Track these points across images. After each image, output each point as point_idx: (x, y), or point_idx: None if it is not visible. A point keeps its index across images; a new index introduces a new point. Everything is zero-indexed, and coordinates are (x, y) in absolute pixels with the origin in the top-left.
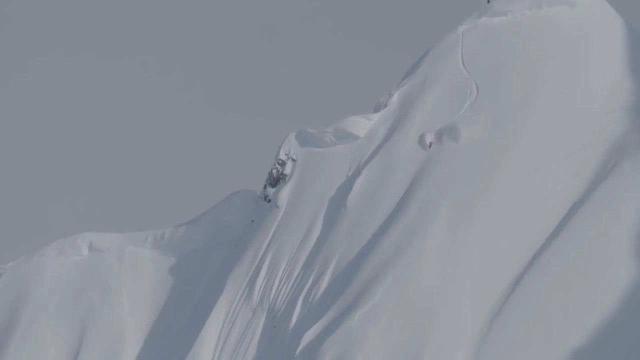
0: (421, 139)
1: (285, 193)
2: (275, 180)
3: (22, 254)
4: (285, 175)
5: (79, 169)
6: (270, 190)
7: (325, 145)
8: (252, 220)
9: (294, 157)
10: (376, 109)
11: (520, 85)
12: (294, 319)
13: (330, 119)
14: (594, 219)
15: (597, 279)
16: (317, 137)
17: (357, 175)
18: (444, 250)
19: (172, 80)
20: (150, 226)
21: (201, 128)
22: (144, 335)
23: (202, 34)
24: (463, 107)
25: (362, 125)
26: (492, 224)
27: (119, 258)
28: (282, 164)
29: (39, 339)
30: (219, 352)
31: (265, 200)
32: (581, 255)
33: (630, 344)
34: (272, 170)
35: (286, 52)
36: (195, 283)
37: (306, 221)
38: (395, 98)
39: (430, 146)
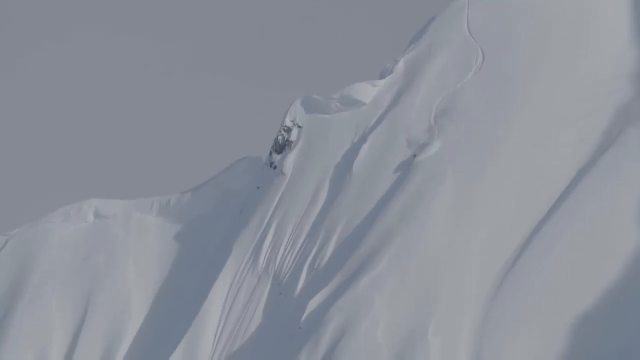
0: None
1: (291, 160)
2: (281, 147)
3: (27, 221)
4: (291, 142)
5: (85, 136)
6: (276, 157)
7: (331, 111)
8: (258, 187)
9: (300, 124)
10: (382, 76)
11: (526, 52)
12: (300, 286)
13: (336, 86)
14: (600, 186)
15: (603, 245)
16: (323, 103)
17: (363, 141)
18: (450, 217)
19: (178, 45)
20: (156, 193)
21: (207, 95)
22: (150, 302)
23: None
24: (469, 73)
25: (368, 91)
26: (499, 191)
27: (125, 225)
28: (288, 130)
29: (45, 305)
30: (225, 319)
31: (271, 167)
32: (587, 222)
33: (636, 310)
34: (278, 137)
35: (293, 18)
36: (201, 250)
37: (312, 188)
38: (401, 65)
39: (415, 157)
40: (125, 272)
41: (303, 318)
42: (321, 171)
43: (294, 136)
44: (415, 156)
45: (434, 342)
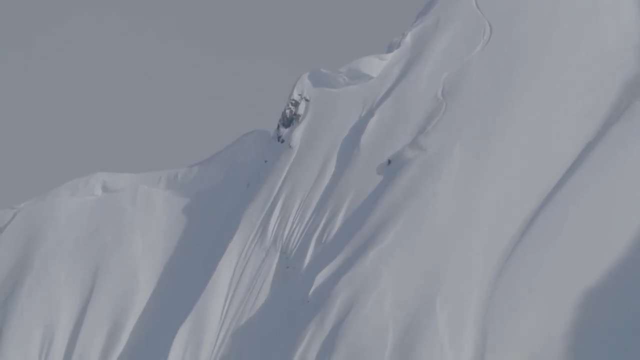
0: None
1: (298, 133)
2: (289, 121)
3: (35, 195)
4: (299, 115)
5: (93, 109)
6: (284, 131)
7: (339, 85)
8: (266, 161)
9: (308, 98)
10: (389, 49)
11: (533, 26)
12: (307, 259)
13: (343, 59)
14: (608, 159)
15: (610, 219)
16: (331, 77)
17: (371, 115)
18: (457, 191)
19: (186, 19)
20: (164, 166)
21: (215, 68)
22: (157, 275)
23: None
24: (476, 47)
25: (375, 65)
26: (506, 164)
27: (133, 198)
28: (296, 104)
29: (52, 278)
30: (232, 292)
31: (278, 140)
32: (595, 195)
33: None
34: (285, 111)
35: None
36: (209, 223)
37: (319, 161)
38: (408, 38)
39: (389, 163)
40: (132, 245)
41: (310, 291)
42: (328, 144)
43: (301, 110)
44: (389, 162)
45: (441, 315)
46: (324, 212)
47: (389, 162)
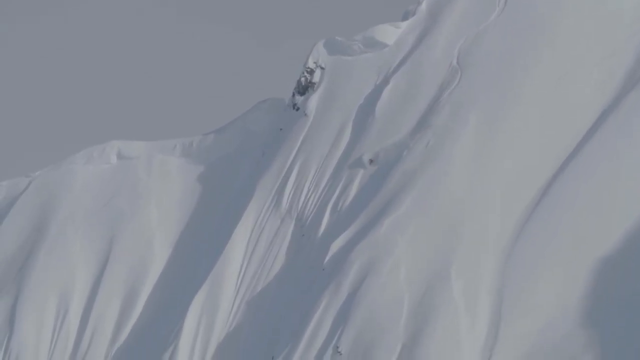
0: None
1: (313, 101)
2: (304, 89)
3: (50, 163)
4: (314, 83)
5: (108, 77)
6: (299, 99)
7: (354, 53)
8: (281, 129)
9: (323, 65)
10: (405, 17)
11: None
12: (322, 227)
13: (358, 27)
14: (624, 126)
15: (626, 186)
16: (346, 45)
17: (386, 83)
18: (472, 159)
19: None
20: (179, 134)
21: (230, 36)
22: (172, 244)
23: None
24: (492, 15)
25: (390, 33)
26: (521, 132)
27: (148, 166)
28: (311, 72)
29: (67, 247)
30: (248, 260)
31: (293, 108)
32: (610, 163)
33: None
34: (300, 79)
35: None
36: (224, 191)
37: (335, 129)
38: (423, 6)
39: (370, 163)
40: (147, 213)
41: (326, 259)
42: (344, 112)
43: (316, 78)
44: (371, 161)
45: (456, 282)
46: (339, 180)
47: (371, 161)
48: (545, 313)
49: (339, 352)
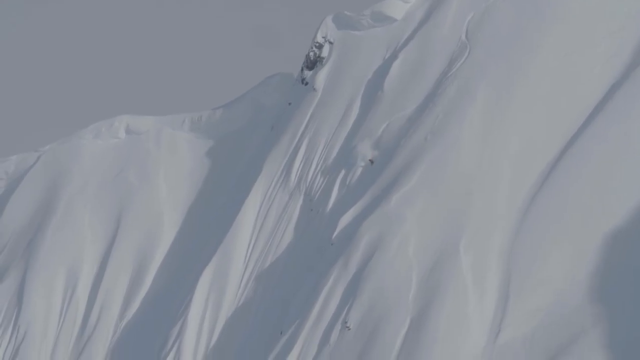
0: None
1: (322, 76)
2: (313, 63)
3: (59, 137)
4: (323, 58)
5: (117, 52)
6: (308, 73)
7: (363, 28)
8: (289, 103)
9: (331, 40)
10: None
11: None
12: (331, 202)
13: (367, 2)
14: (633, 100)
15: (635, 160)
16: (354, 19)
17: (394, 58)
18: (481, 133)
19: None
20: (188, 109)
21: (239, 11)
22: (181, 218)
23: None
24: None
25: (399, 7)
26: (530, 107)
27: (157, 141)
28: (320, 46)
29: (76, 220)
30: (256, 235)
31: (302, 83)
32: (620, 136)
33: None
34: (309, 53)
35: None
36: (233, 166)
37: (343, 104)
38: None
39: (371, 164)
40: (156, 188)
41: (334, 234)
42: (352, 87)
43: (325, 52)
44: (371, 161)
45: (465, 257)
46: (348, 154)
47: (371, 162)
48: (554, 287)
49: (348, 326)
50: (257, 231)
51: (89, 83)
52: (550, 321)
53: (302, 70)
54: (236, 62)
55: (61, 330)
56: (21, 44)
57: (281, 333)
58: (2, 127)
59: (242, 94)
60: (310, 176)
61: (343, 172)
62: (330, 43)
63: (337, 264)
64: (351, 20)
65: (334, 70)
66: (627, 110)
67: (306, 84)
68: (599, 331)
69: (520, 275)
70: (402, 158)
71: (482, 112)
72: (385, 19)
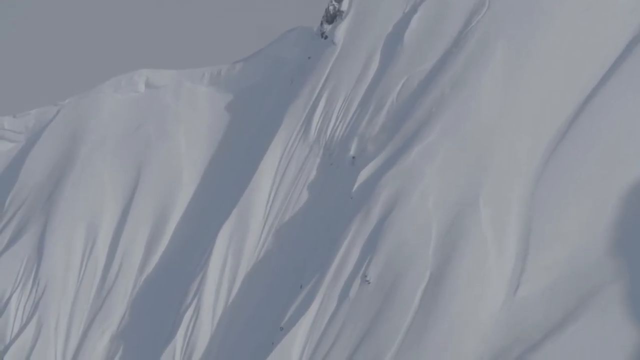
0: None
1: (342, 29)
2: (332, 17)
3: (78, 91)
4: (342, 11)
5: (136, 5)
6: (327, 27)
7: None
8: (309, 57)
9: None
10: None
11: None
12: (351, 156)
13: None
14: None
15: None
16: None
17: (414, 12)
18: (501, 87)
19: None
20: (207, 63)
21: None
22: (201, 171)
23: None
24: None
25: None
26: (550, 60)
27: (176, 95)
28: (339, 0)
29: (96, 175)
30: (276, 189)
31: (321, 37)
32: (639, 90)
33: None
34: (328, 7)
35: None
36: (252, 120)
37: (363, 58)
38: None
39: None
40: (176, 141)
41: (354, 188)
42: (372, 41)
43: (344, 6)
44: (354, 158)
45: (484, 211)
46: (368, 108)
47: (353, 158)
48: (574, 241)
49: (367, 280)
50: (276, 185)
51: (109, 36)
52: (569, 275)
53: (321, 24)
54: (255, 15)
55: (81, 284)
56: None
57: (301, 287)
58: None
59: (261, 47)
60: (329, 130)
61: (363, 125)
62: None
63: (356, 218)
64: None
65: (354, 24)
66: None
67: (326, 37)
68: (618, 285)
69: (539, 229)
70: (422, 112)
71: (501, 66)
72: None
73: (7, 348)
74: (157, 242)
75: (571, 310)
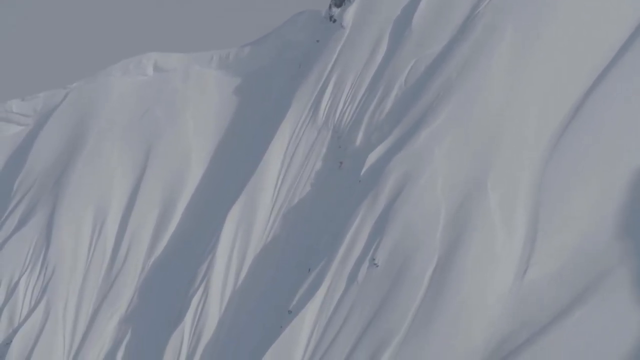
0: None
1: (350, 13)
2: (341, 1)
3: (87, 74)
4: None
5: None
6: (336, 10)
7: None
8: (317, 41)
9: None
10: None
11: None
12: (359, 139)
13: None
14: None
15: None
16: None
17: None
18: (509, 71)
19: None
20: (215, 46)
21: None
22: (209, 155)
23: None
24: None
25: None
26: (558, 44)
27: (184, 78)
28: None
29: (104, 158)
30: (284, 172)
31: (330, 20)
32: None
33: None
34: None
35: None
36: (260, 103)
37: (371, 41)
38: None
39: (341, 164)
40: (184, 124)
41: (363, 171)
42: (380, 24)
43: None
44: (341, 163)
45: (492, 195)
46: (376, 91)
47: (340, 164)
48: (582, 225)
49: (375, 264)
50: (285, 168)
51: (117, 20)
52: (577, 259)
53: (330, 7)
54: None
55: (90, 266)
56: None
57: (309, 270)
58: (30, 65)
59: (270, 31)
60: (338, 113)
61: (371, 109)
62: None
63: (365, 201)
64: None
65: (362, 8)
66: None
67: (334, 21)
68: (626, 268)
69: (547, 213)
70: (430, 95)
71: (509, 50)
72: None
73: (15, 331)
74: (165, 226)
75: (579, 293)
